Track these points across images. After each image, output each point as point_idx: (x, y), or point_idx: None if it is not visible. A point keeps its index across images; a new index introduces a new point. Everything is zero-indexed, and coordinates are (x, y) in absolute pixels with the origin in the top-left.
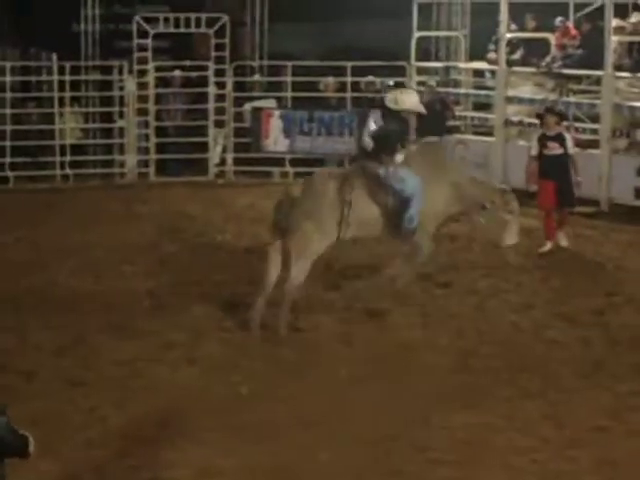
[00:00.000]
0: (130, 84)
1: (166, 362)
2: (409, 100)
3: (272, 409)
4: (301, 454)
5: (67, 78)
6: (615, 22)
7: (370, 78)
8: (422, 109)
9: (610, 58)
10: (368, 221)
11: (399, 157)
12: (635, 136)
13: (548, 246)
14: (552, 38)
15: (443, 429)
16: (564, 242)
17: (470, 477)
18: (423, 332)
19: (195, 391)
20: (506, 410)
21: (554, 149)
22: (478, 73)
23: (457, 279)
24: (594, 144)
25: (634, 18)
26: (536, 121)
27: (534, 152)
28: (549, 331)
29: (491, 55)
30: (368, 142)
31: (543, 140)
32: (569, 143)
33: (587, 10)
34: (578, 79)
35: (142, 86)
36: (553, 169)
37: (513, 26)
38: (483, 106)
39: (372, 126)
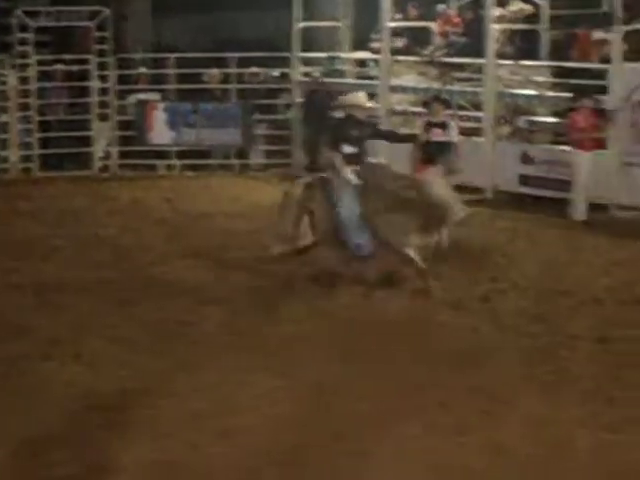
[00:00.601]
0: (12, 79)
1: (52, 359)
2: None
3: (161, 404)
4: (192, 449)
5: None
6: (497, 11)
7: (254, 69)
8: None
9: (492, 46)
10: None
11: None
12: (518, 123)
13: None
14: (434, 26)
15: (330, 419)
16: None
17: (360, 465)
18: (312, 324)
19: (82, 388)
20: (394, 397)
21: (438, 135)
22: (362, 63)
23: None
24: (478, 132)
25: (514, 6)
26: (421, 109)
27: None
28: (437, 318)
29: (375, 45)
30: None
31: (428, 126)
32: (453, 131)
33: None
34: (461, 67)
35: (24, 80)
36: (436, 155)
37: (398, 15)
38: (368, 95)
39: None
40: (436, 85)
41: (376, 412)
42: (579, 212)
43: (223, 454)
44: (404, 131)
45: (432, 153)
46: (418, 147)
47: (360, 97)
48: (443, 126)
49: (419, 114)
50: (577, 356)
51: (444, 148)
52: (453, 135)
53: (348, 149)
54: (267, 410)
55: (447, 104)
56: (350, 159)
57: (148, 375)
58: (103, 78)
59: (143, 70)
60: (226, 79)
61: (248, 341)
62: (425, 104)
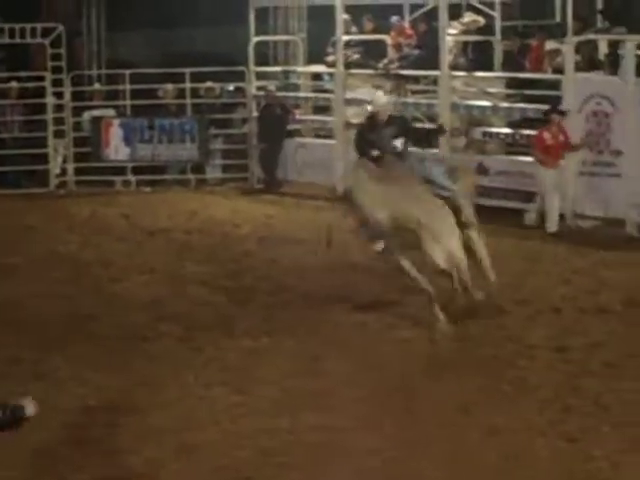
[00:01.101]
0: None
1: (12, 378)
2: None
3: (121, 421)
4: (152, 465)
5: None
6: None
7: (209, 84)
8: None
9: (446, 58)
10: None
11: None
12: (472, 134)
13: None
14: (388, 38)
15: (290, 433)
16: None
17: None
18: (271, 339)
19: (42, 406)
20: (355, 411)
21: None
22: (317, 76)
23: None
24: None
25: (467, 18)
26: None
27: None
28: (396, 329)
29: (330, 58)
30: None
31: None
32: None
33: (422, 11)
34: (415, 79)
35: None
36: None
37: (354, 28)
38: (323, 109)
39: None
40: (391, 98)
41: (337, 426)
42: (551, 224)
43: (183, 470)
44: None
45: None
46: None
47: (380, 97)
48: None
49: None
50: (535, 365)
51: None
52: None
53: (375, 152)
54: (227, 426)
55: None
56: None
57: (108, 392)
58: (58, 95)
59: (98, 86)
60: (181, 94)
61: (207, 356)
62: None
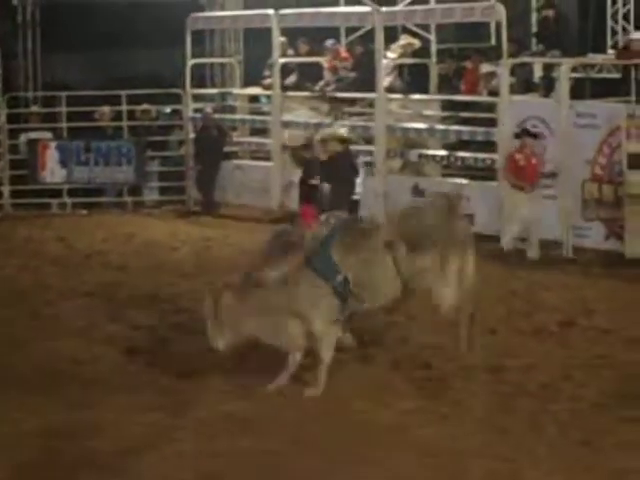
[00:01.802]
0: None
1: None
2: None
3: (57, 445)
4: None
5: None
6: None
7: (145, 106)
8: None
9: (382, 80)
10: None
11: None
12: (409, 156)
13: None
14: (324, 62)
15: (229, 456)
16: None
17: None
18: (207, 361)
19: None
20: (293, 431)
21: None
22: (254, 98)
23: None
24: (369, 165)
25: (403, 40)
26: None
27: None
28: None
29: (266, 81)
30: None
31: None
32: None
33: (358, 33)
34: (352, 102)
35: None
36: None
37: (290, 51)
38: (260, 131)
39: None
40: (328, 120)
41: (273, 449)
42: (533, 252)
43: None
44: None
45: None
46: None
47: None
48: None
49: None
50: (471, 386)
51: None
52: None
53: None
54: (166, 449)
55: None
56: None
57: (44, 416)
58: None
59: (34, 108)
60: (118, 116)
61: (142, 380)
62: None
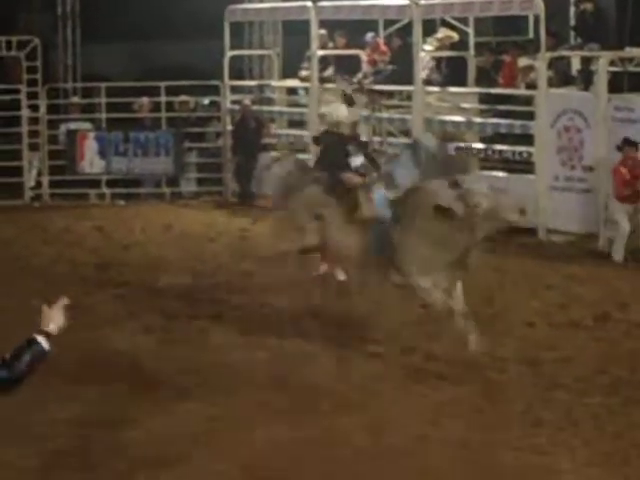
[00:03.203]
0: None
1: None
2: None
3: (94, 435)
4: (126, 478)
5: None
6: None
7: (183, 97)
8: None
9: (420, 73)
10: None
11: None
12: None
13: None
14: (363, 54)
15: (268, 446)
16: (342, 276)
17: None
18: (243, 352)
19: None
20: (326, 423)
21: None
22: (292, 91)
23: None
24: None
25: (441, 34)
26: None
27: None
28: (366, 344)
29: (303, 72)
30: None
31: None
32: None
33: (396, 26)
34: (390, 94)
35: None
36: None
37: (330, 44)
38: (298, 123)
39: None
40: (365, 112)
41: (310, 437)
42: (617, 253)
43: None
44: None
45: None
46: None
47: (342, 110)
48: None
49: None
50: (507, 379)
51: None
52: None
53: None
54: (202, 438)
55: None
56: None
57: (78, 405)
58: (33, 108)
59: (74, 99)
60: (157, 108)
61: (181, 369)
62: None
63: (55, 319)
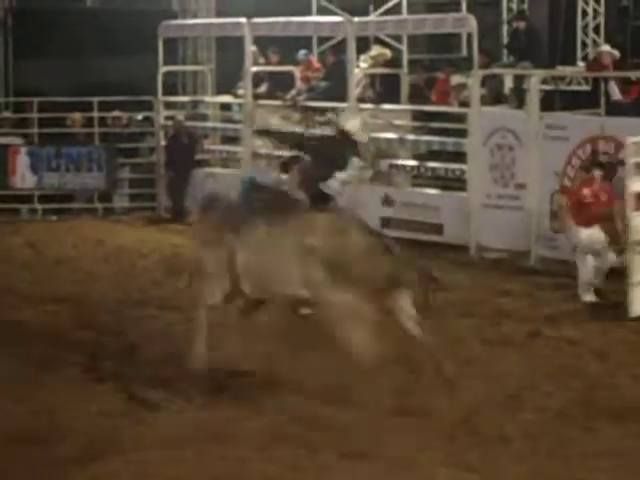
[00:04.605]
0: None
1: None
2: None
3: (24, 452)
4: None
5: None
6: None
7: (117, 113)
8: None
9: (353, 90)
10: None
11: None
12: (379, 166)
13: None
14: (297, 71)
15: (196, 464)
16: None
17: None
18: (174, 367)
19: None
20: (259, 442)
21: None
22: (225, 106)
23: None
24: None
25: (375, 51)
26: (284, 154)
27: None
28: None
29: (240, 91)
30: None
31: None
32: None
33: (330, 43)
34: (323, 111)
35: None
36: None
37: (262, 60)
38: (231, 139)
39: None
40: (299, 129)
41: (242, 457)
42: (583, 291)
43: None
44: None
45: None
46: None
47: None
48: None
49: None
50: (437, 396)
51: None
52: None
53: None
54: (131, 455)
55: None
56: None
57: (9, 421)
58: None
59: (5, 114)
60: (89, 123)
61: (110, 387)
62: (283, 165)
63: None
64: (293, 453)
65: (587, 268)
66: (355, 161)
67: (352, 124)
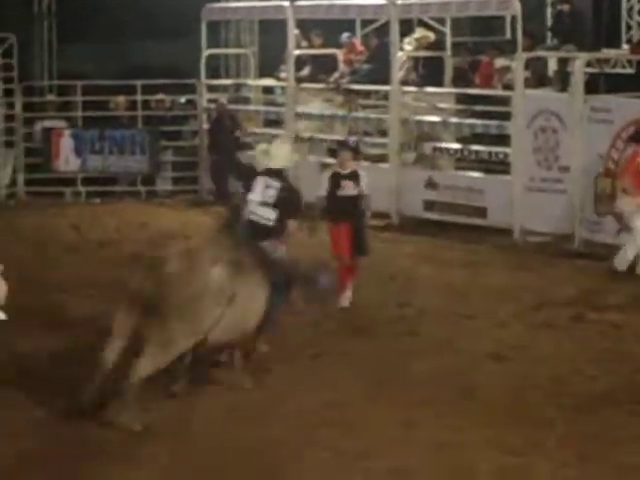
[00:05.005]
0: None
1: None
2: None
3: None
4: None
5: None
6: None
7: (160, 96)
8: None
9: (397, 73)
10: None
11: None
12: (422, 149)
13: (348, 295)
14: (340, 54)
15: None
16: (346, 302)
17: None
18: None
19: None
20: (295, 423)
21: (348, 189)
22: (268, 90)
23: None
24: (383, 158)
25: (418, 34)
26: (326, 137)
27: (323, 192)
28: (344, 343)
29: (283, 74)
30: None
31: (336, 179)
32: (364, 182)
33: (373, 26)
34: (366, 94)
35: None
36: (347, 212)
37: (304, 43)
38: (274, 122)
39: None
40: (341, 112)
41: (284, 436)
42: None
43: None
44: None
45: (341, 209)
46: (322, 200)
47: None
48: (353, 177)
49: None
50: (482, 379)
51: (354, 203)
52: (364, 186)
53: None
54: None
55: (356, 151)
56: None
57: (51, 404)
58: (9, 105)
59: (50, 97)
60: (133, 106)
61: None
62: (331, 152)
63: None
64: (334, 436)
65: (634, 246)
66: None
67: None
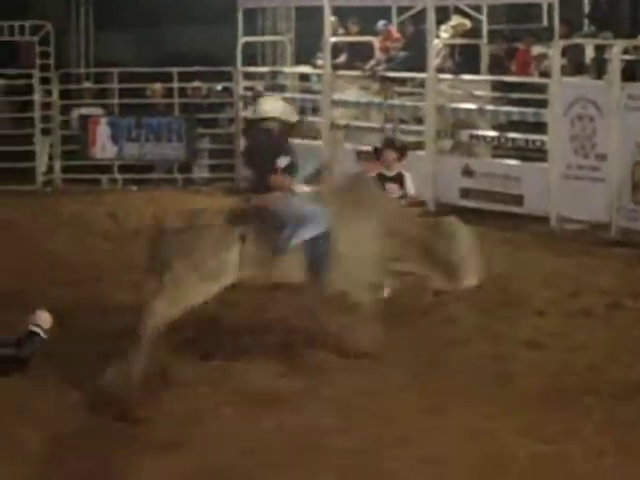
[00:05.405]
0: None
1: None
2: (270, 106)
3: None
4: None
5: None
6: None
7: (196, 83)
8: (288, 116)
9: (433, 61)
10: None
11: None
12: (459, 137)
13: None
14: (376, 41)
15: (273, 432)
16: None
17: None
18: (253, 336)
19: None
20: (338, 409)
21: (393, 191)
22: (304, 77)
23: None
24: (420, 145)
25: (455, 21)
26: (363, 124)
27: None
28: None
29: (319, 61)
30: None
31: (381, 181)
32: (409, 183)
33: (409, 13)
34: (402, 81)
35: None
36: None
37: (341, 30)
38: (310, 110)
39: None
40: (378, 99)
41: (316, 422)
42: None
43: None
44: None
45: None
46: None
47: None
48: (398, 179)
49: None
50: (517, 367)
51: None
52: (410, 188)
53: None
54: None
55: (402, 150)
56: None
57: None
58: (46, 92)
59: (86, 85)
60: (169, 93)
61: (190, 353)
62: (376, 151)
63: (44, 319)
64: (366, 423)
65: None
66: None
67: (271, 107)
